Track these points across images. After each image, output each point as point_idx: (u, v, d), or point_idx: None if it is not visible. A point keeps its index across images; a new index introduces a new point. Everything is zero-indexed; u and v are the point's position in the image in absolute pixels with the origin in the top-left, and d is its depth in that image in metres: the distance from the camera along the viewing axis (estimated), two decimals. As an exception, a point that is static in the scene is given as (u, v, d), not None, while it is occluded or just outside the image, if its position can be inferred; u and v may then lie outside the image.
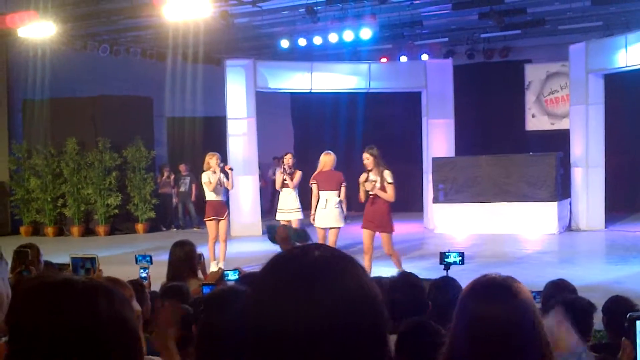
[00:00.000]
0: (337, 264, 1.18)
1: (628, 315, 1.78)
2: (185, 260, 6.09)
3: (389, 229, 9.86)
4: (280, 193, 11.81)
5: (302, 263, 1.17)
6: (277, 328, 1.12)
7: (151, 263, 7.37)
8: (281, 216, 11.68)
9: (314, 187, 10.57)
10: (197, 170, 18.99)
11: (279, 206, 11.85)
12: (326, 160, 10.68)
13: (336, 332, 1.10)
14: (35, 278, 1.54)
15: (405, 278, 3.85)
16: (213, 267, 10.17)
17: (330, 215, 10.46)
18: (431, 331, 3.22)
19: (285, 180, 11.61)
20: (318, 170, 10.73)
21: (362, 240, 9.99)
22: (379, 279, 5.68)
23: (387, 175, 9.69)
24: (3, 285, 2.25)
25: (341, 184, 10.55)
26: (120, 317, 1.39)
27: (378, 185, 9.61)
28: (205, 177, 11.58)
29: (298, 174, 11.73)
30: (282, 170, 11.79)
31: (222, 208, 11.78)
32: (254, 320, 1.16)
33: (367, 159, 9.72)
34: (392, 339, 3.25)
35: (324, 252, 1.20)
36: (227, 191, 12.21)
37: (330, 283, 1.14)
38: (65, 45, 16.74)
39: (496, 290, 1.90)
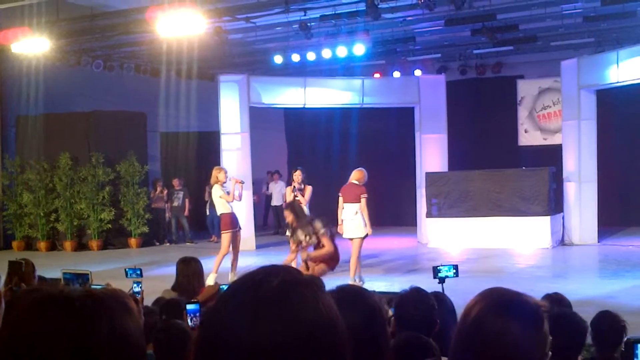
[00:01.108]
0: (291, 294, 1.15)
1: (626, 339, 1.77)
2: (192, 277, 6.11)
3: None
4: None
5: (255, 293, 1.16)
6: (223, 351, 1.12)
7: (141, 276, 7.36)
8: (288, 233, 11.32)
9: (340, 199, 11.11)
10: (191, 185, 19.05)
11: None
12: (353, 174, 11.25)
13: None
14: (31, 291, 1.46)
15: (416, 294, 3.83)
16: (210, 281, 10.14)
17: (351, 226, 10.92)
18: (423, 346, 3.22)
19: (296, 196, 11.46)
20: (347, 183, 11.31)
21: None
22: (386, 295, 5.69)
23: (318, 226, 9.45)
24: None
25: (360, 195, 10.92)
26: (123, 333, 1.32)
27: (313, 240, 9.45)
28: (219, 190, 11.58)
29: (309, 189, 11.66)
30: (292, 187, 11.70)
31: (236, 220, 11.81)
32: (202, 335, 1.17)
33: (288, 216, 10.00)
34: None
35: (284, 279, 1.17)
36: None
37: (277, 315, 1.12)
38: (59, 60, 16.76)
39: (508, 305, 1.88)
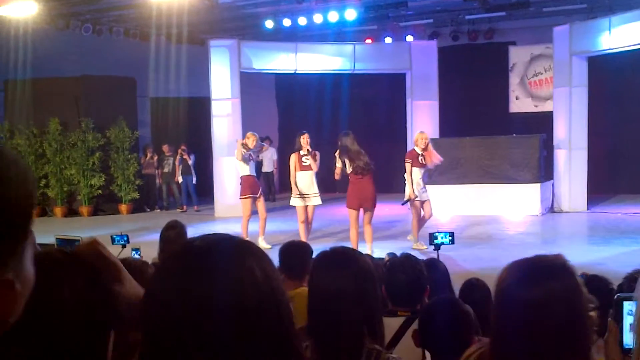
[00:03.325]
0: (220, 252, 1.18)
1: (616, 297, 1.75)
2: (175, 243, 6.07)
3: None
4: (298, 175, 11.00)
5: (184, 251, 1.21)
6: (160, 311, 1.14)
7: (128, 242, 7.37)
8: (299, 201, 11.07)
9: (408, 165, 11.26)
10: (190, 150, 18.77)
11: (300, 190, 11.02)
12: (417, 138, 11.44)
13: (215, 314, 1.11)
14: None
15: (405, 260, 3.86)
16: None
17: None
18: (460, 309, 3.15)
19: (305, 162, 10.93)
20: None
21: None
22: (377, 260, 5.73)
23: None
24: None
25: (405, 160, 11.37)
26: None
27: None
28: (238, 153, 11.45)
29: (318, 154, 11.11)
30: (299, 152, 10.96)
31: (257, 185, 11.74)
32: (146, 298, 1.20)
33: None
34: (391, 322, 3.26)
35: (214, 242, 1.21)
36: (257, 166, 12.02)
37: (208, 270, 1.15)
38: (48, 24, 16.55)
39: (548, 271, 1.82)
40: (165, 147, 18.44)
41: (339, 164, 10.43)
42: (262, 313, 1.14)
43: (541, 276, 1.78)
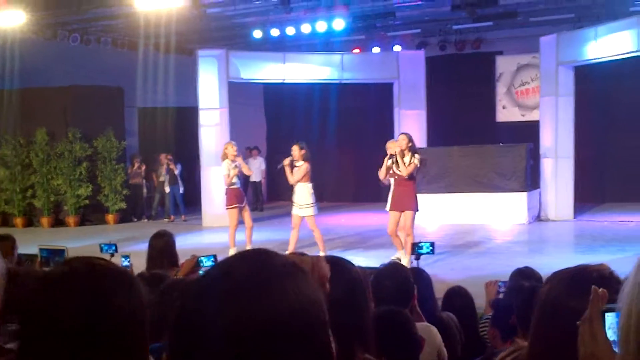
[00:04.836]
0: (260, 282, 1.15)
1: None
2: (163, 251, 6.06)
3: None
4: (295, 185, 11.05)
5: (225, 281, 1.17)
6: (197, 339, 1.13)
7: (116, 251, 7.35)
8: (294, 210, 11.14)
9: None
10: (176, 159, 18.74)
11: (294, 199, 11.13)
12: None
13: (265, 338, 1.10)
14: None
15: (391, 267, 3.88)
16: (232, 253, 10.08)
17: None
18: (403, 319, 3.26)
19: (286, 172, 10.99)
20: None
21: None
22: (362, 268, 5.73)
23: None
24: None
25: None
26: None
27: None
28: (225, 168, 11.47)
29: (303, 166, 10.93)
30: (287, 163, 10.98)
31: (242, 195, 11.77)
32: (177, 323, 1.17)
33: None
34: None
35: (256, 266, 1.18)
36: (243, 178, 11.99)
37: (246, 302, 1.12)
38: (35, 34, 16.50)
39: (592, 282, 1.83)
40: (162, 156, 18.16)
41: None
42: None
43: (588, 286, 1.81)
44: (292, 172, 10.96)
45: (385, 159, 10.54)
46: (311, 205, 11.00)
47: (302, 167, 10.92)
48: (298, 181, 10.93)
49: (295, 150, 10.97)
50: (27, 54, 16.80)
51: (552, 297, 1.84)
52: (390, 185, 10.64)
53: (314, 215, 11.03)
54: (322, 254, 9.54)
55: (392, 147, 10.62)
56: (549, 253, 11.37)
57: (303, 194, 10.98)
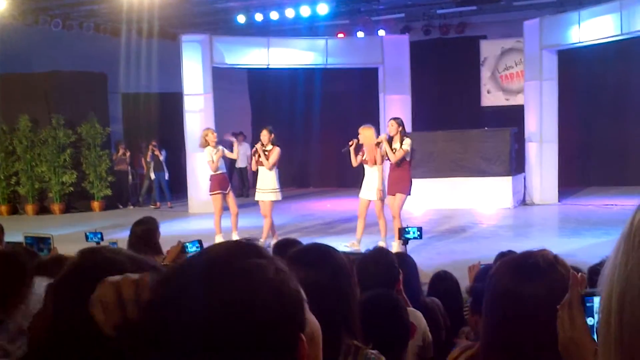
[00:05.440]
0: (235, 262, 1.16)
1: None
2: (142, 238, 6.03)
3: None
4: (259, 171, 11.13)
5: (205, 267, 1.17)
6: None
7: (102, 239, 7.32)
8: (257, 196, 11.20)
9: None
10: (161, 145, 18.64)
11: (257, 184, 11.24)
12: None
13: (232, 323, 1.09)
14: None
15: (376, 252, 3.90)
16: (218, 240, 10.08)
17: None
18: (391, 300, 3.27)
19: (259, 158, 10.92)
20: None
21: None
22: (347, 254, 5.74)
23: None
24: None
25: None
26: None
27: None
28: (208, 155, 11.38)
29: (275, 151, 10.91)
30: (255, 148, 11.02)
31: (226, 181, 11.70)
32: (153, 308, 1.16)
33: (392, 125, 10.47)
34: None
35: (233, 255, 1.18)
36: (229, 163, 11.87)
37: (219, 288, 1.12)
38: (16, 19, 16.33)
39: (536, 267, 1.86)
40: (153, 143, 18.00)
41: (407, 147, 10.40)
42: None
43: (530, 273, 1.83)
44: (262, 157, 10.91)
45: (355, 143, 10.49)
46: (277, 190, 11.06)
47: (274, 151, 10.92)
48: (274, 164, 10.93)
49: (265, 135, 10.97)
50: (8, 39, 16.61)
51: (499, 284, 1.86)
52: (364, 171, 10.62)
53: (274, 201, 11.07)
54: (274, 240, 9.59)
55: (363, 133, 10.55)
56: (535, 237, 11.44)
57: (270, 179, 11.01)
